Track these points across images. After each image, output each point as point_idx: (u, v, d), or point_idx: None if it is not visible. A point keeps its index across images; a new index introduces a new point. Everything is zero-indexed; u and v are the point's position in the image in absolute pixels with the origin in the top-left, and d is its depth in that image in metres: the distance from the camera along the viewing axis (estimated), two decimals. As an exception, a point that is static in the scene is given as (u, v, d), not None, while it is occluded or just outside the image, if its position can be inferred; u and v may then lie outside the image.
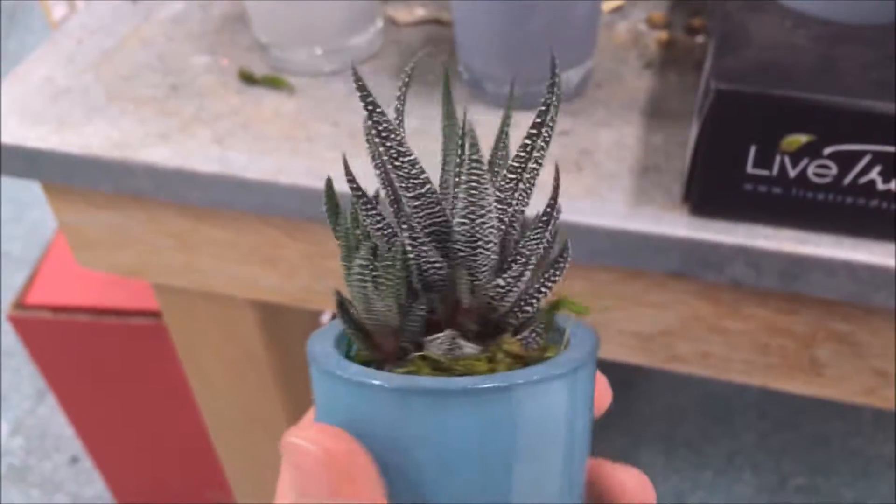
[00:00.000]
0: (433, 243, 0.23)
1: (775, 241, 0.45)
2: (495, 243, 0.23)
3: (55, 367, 0.93)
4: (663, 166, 0.49)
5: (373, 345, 0.24)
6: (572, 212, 0.47)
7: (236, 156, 0.51)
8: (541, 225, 0.24)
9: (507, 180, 0.24)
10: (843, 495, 1.19)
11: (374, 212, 0.24)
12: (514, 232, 0.25)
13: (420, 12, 0.62)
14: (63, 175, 0.54)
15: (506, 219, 0.24)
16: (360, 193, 0.23)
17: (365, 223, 0.24)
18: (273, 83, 0.56)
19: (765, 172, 0.43)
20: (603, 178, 0.49)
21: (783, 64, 0.43)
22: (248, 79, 0.56)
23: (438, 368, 0.23)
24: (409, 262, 0.23)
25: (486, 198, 0.22)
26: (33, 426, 1.31)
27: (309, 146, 0.52)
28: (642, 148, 0.51)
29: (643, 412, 1.30)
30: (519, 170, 0.24)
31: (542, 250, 0.24)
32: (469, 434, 0.21)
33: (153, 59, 0.59)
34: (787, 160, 0.42)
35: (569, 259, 0.25)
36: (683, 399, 1.32)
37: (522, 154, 0.24)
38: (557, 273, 0.24)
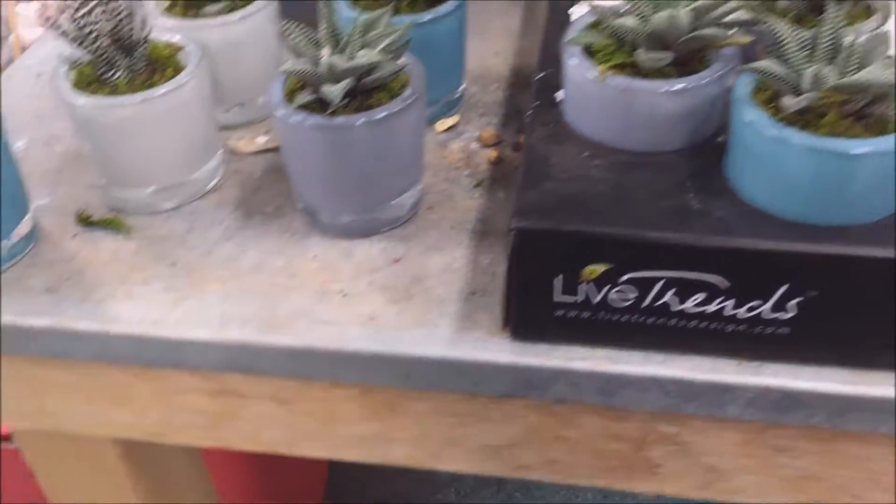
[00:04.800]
0: None
1: (591, 361, 0.47)
2: None
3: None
4: (489, 288, 0.51)
5: None
6: (400, 343, 0.49)
7: (69, 306, 0.52)
8: None
9: None
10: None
11: None
12: None
13: (261, 140, 0.63)
14: None
15: None
16: None
17: None
18: (111, 225, 0.56)
19: (572, 299, 0.45)
20: (432, 304, 0.51)
21: (580, 197, 0.46)
22: (85, 221, 0.57)
23: None
24: None
25: None
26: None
27: (144, 290, 0.52)
28: (471, 270, 0.53)
29: None
30: None
31: None
32: None
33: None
34: (590, 287, 0.45)
35: None
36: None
37: None
38: None
